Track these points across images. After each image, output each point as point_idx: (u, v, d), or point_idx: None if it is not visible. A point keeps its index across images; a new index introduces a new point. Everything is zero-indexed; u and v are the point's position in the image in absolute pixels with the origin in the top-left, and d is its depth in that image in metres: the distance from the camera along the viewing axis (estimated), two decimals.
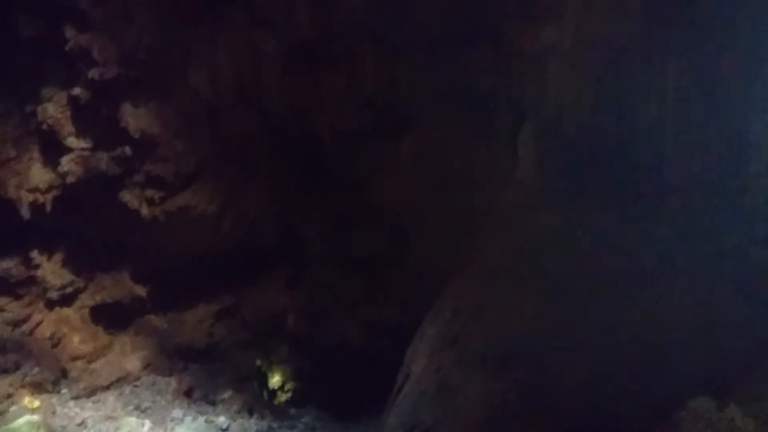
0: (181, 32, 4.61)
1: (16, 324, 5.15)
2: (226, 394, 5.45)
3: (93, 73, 4.61)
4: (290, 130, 4.82)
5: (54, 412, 5.02)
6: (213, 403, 5.38)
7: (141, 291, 5.32)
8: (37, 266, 5.13)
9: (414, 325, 4.15)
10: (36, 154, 4.96)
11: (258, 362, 5.51)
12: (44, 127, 4.80)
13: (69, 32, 4.54)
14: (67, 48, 4.55)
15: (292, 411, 5.43)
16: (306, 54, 4.62)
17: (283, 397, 5.48)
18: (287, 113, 4.76)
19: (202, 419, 5.22)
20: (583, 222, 3.92)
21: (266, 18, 4.57)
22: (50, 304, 5.24)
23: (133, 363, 5.42)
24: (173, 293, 5.38)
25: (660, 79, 3.74)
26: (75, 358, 5.29)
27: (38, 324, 5.22)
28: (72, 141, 4.81)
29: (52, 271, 5.17)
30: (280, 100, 4.73)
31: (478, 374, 3.61)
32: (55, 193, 4.91)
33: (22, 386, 5.09)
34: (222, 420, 5.25)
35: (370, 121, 4.71)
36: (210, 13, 4.61)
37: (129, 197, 4.92)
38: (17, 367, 5.13)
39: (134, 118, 4.75)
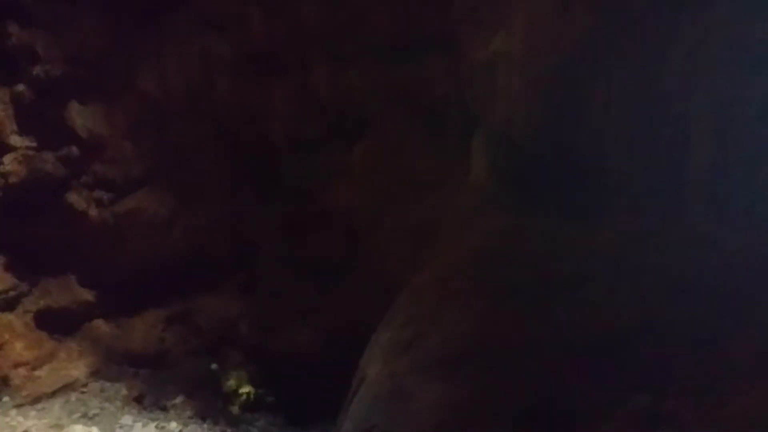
0: (131, 35, 4.55)
1: None
2: (178, 400, 5.36)
3: (37, 71, 4.51)
4: (243, 136, 4.79)
5: None
6: (164, 409, 5.28)
7: (88, 296, 5.20)
8: None
9: (369, 330, 4.16)
10: None
11: (213, 366, 5.45)
12: None
13: (12, 28, 4.43)
14: (9, 43, 4.45)
15: (247, 416, 5.38)
16: (258, 61, 4.61)
17: (237, 403, 5.42)
18: (240, 119, 4.73)
19: (152, 425, 5.11)
20: (532, 226, 4.01)
21: (218, 24, 4.55)
22: None
23: (80, 369, 5.26)
24: (122, 298, 5.26)
25: (605, 85, 3.87)
26: (18, 365, 5.12)
27: None
28: (15, 139, 4.67)
29: None
30: (233, 106, 4.70)
31: (431, 378, 3.66)
32: None
33: None
34: (174, 426, 5.15)
35: (324, 127, 4.71)
36: (160, 18, 4.56)
37: (76, 199, 4.81)
38: None
39: (81, 117, 4.66)
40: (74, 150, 4.68)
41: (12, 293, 5.08)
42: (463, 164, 4.43)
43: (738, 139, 3.70)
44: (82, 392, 5.23)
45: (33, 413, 5.04)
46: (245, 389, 5.49)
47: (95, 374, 5.32)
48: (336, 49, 4.49)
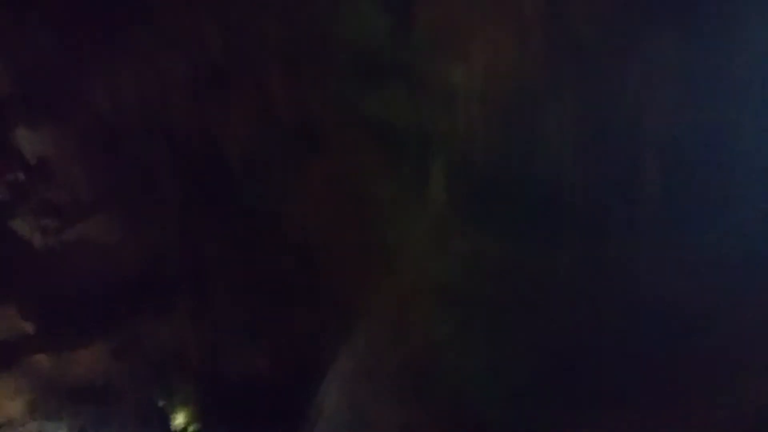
0: (83, 52, 4.43)
1: None
2: None
3: None
4: (197, 155, 4.70)
5: None
6: None
7: (29, 327, 4.94)
8: None
9: (323, 355, 4.09)
10: None
11: (160, 403, 5.23)
12: None
13: None
14: None
15: None
16: (215, 79, 4.55)
17: None
18: (195, 138, 4.64)
19: None
20: (491, 249, 4.06)
21: (175, 41, 4.48)
22: None
23: (17, 407, 4.99)
24: (66, 329, 5.03)
25: (560, 113, 4.00)
26: None
27: None
28: None
29: None
30: (188, 125, 4.61)
31: (393, 405, 3.61)
32: None
33: None
34: None
35: (280, 147, 4.68)
36: (115, 35, 4.47)
37: (21, 225, 4.60)
38: None
39: (29, 141, 4.49)
40: (21, 175, 4.50)
41: None
42: (420, 188, 4.47)
43: (687, 165, 3.85)
44: None
45: None
46: (193, 427, 5.28)
47: (34, 412, 5.05)
48: (294, 69, 4.50)
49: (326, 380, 4.14)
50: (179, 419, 5.22)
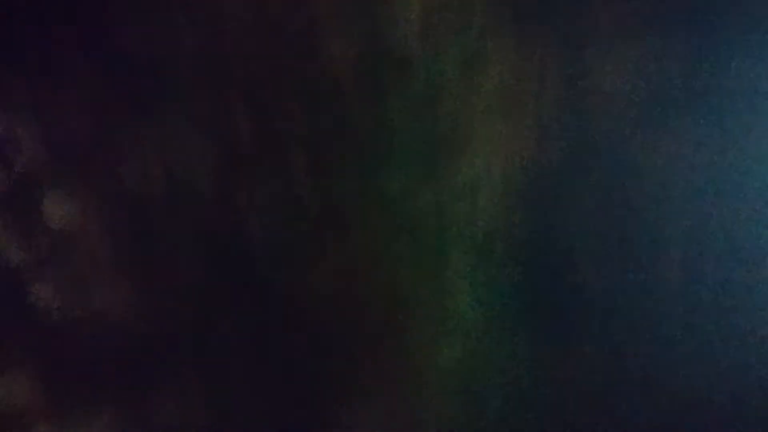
0: (116, 127, 4.58)
1: None
2: None
3: (18, 161, 4.46)
4: (220, 235, 4.78)
5: None
6: None
7: (37, 397, 4.81)
8: None
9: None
10: None
11: None
12: None
13: None
14: None
15: None
16: (242, 162, 4.68)
17: None
18: (219, 219, 4.73)
19: None
20: (507, 341, 4.03)
21: (206, 124, 4.63)
22: None
23: None
24: (75, 399, 4.97)
25: (579, 203, 4.04)
26: None
27: None
28: None
29: None
30: (213, 202, 4.72)
31: None
32: None
33: None
34: None
35: (303, 231, 4.76)
36: (147, 112, 4.63)
37: (40, 296, 4.63)
38: None
39: (57, 210, 4.58)
40: (44, 243, 4.56)
41: None
42: (439, 275, 4.51)
43: (709, 263, 3.83)
44: None
45: None
46: None
47: None
48: (319, 155, 4.62)
49: None
50: None
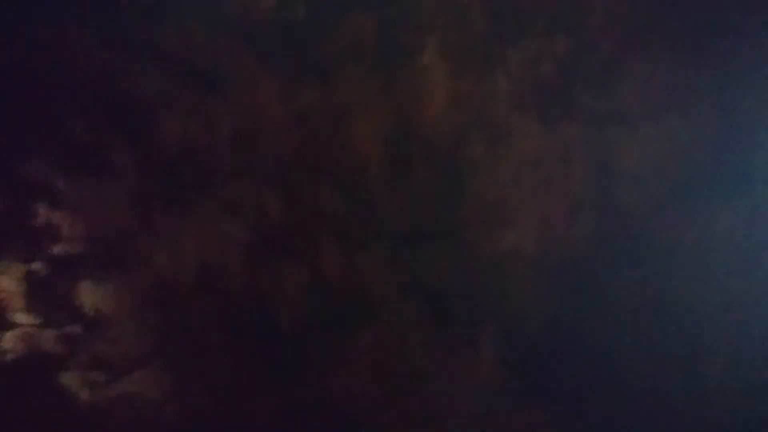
0: (152, 216, 4.72)
1: None
2: None
3: (57, 250, 4.59)
4: (249, 317, 4.79)
5: None
6: None
7: None
8: None
9: None
10: None
11: None
12: None
13: (40, 208, 4.60)
14: (35, 223, 4.57)
15: None
16: (272, 244, 4.76)
17: None
18: (248, 300, 4.76)
19: None
20: (542, 423, 3.89)
21: (237, 209, 4.76)
22: None
23: None
24: None
25: (612, 280, 3.99)
26: None
27: None
28: (21, 317, 4.57)
29: None
30: (243, 287, 4.76)
31: None
32: None
33: None
34: None
35: (331, 312, 4.75)
36: (181, 200, 4.78)
37: (70, 380, 4.64)
38: None
39: (90, 296, 4.65)
40: (77, 329, 4.62)
41: None
42: (470, 357, 4.42)
43: (750, 346, 3.71)
44: None
45: None
46: None
47: None
48: (347, 236, 4.68)
49: None
50: None
